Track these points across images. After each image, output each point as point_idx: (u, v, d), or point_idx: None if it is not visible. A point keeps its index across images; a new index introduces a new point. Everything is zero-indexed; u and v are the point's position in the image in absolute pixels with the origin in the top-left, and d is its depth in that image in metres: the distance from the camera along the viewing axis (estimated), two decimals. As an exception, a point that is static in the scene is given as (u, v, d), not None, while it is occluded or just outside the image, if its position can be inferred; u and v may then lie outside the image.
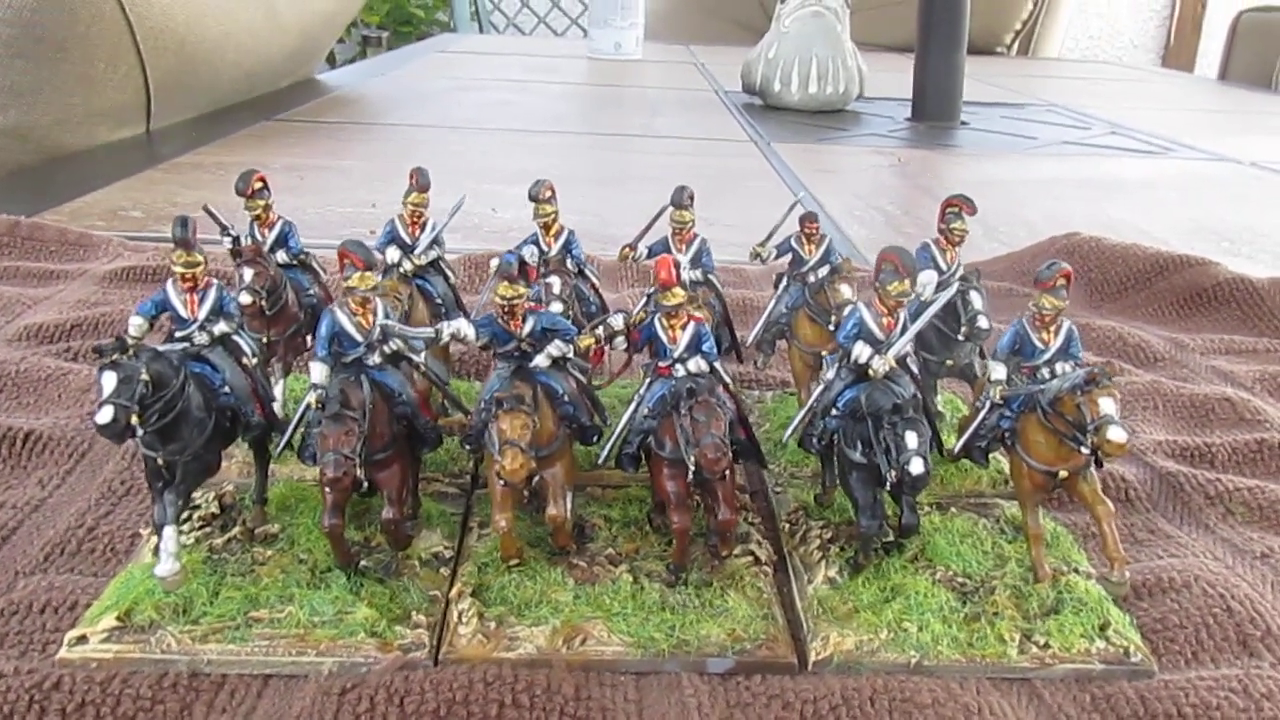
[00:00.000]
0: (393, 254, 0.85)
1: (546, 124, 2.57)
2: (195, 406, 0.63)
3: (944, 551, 0.69)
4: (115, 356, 0.58)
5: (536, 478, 0.65)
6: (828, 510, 0.75)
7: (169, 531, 0.62)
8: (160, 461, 0.62)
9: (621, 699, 0.57)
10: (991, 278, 1.28)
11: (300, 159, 2.01)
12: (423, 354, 0.71)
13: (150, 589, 0.62)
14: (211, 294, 0.68)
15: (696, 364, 0.68)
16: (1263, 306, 1.23)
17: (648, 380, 0.69)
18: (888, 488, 0.64)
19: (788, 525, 0.74)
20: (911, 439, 0.61)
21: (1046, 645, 0.61)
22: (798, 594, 0.67)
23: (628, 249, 0.87)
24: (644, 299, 0.79)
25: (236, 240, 0.83)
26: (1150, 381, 1.02)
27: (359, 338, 0.66)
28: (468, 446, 0.69)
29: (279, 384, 0.82)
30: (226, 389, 0.66)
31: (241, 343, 0.69)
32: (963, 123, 2.72)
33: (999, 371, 0.68)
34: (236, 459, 0.76)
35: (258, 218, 0.83)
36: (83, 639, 0.59)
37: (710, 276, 0.86)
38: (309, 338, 0.84)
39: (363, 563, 0.66)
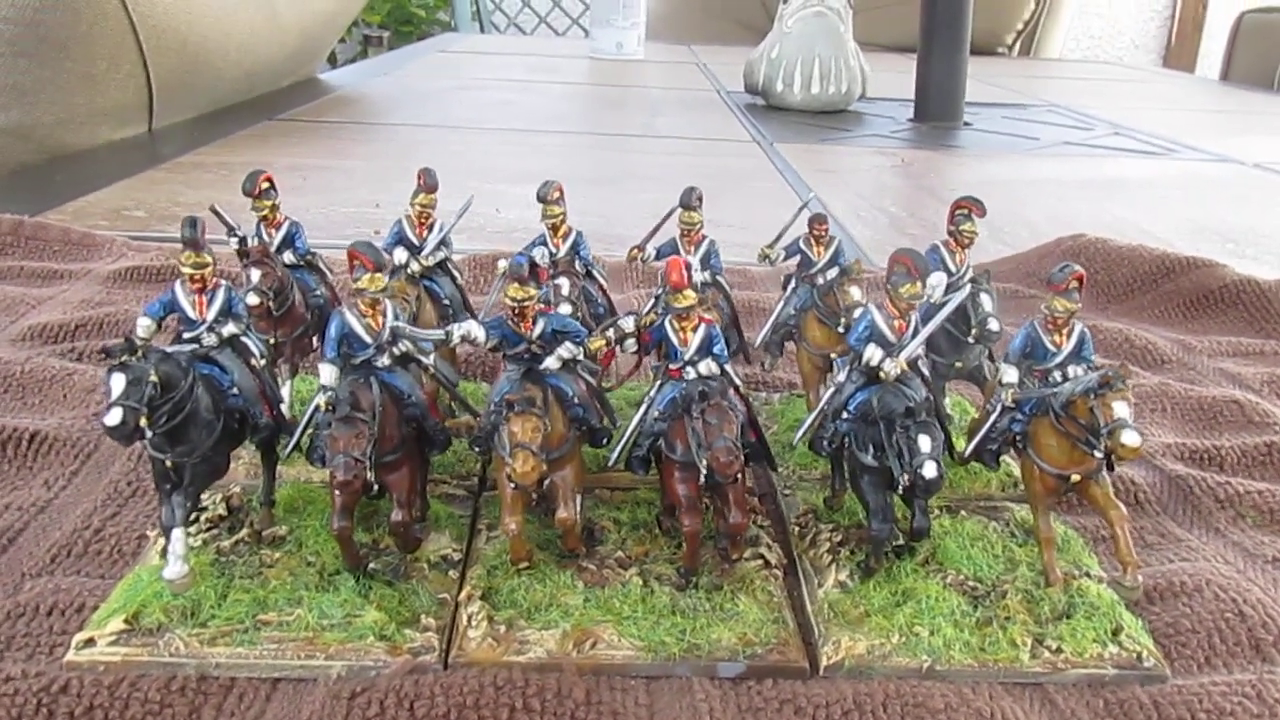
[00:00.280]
0: (400, 255, 0.84)
1: (548, 124, 2.57)
2: (204, 408, 0.63)
3: (955, 555, 0.69)
4: (124, 358, 0.58)
5: (546, 480, 0.65)
6: (837, 513, 0.75)
7: (177, 534, 0.62)
8: (168, 463, 0.62)
9: (632, 703, 0.57)
10: (997, 279, 1.27)
11: (302, 159, 2.01)
12: (432, 356, 0.71)
13: (158, 591, 0.62)
14: (220, 295, 0.67)
15: (707, 366, 0.67)
16: (1270, 308, 1.23)
17: (658, 383, 0.69)
18: (899, 491, 0.64)
19: (797, 528, 0.73)
20: (924, 442, 0.61)
21: (1059, 650, 0.61)
22: (808, 598, 0.66)
23: (636, 250, 0.86)
24: (652, 300, 0.79)
25: (243, 241, 0.83)
26: (1158, 384, 1.01)
27: (368, 339, 0.66)
28: (476, 449, 0.69)
29: (286, 385, 0.81)
30: (235, 390, 0.66)
31: (249, 344, 0.69)
32: (965, 123, 2.72)
33: (1011, 374, 0.67)
34: (244, 460, 0.76)
35: (264, 218, 0.82)
36: (90, 642, 0.59)
37: (719, 278, 0.85)
38: (315, 339, 0.84)
39: (371, 565, 0.66)
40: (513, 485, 0.61)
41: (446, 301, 0.86)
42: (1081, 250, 1.37)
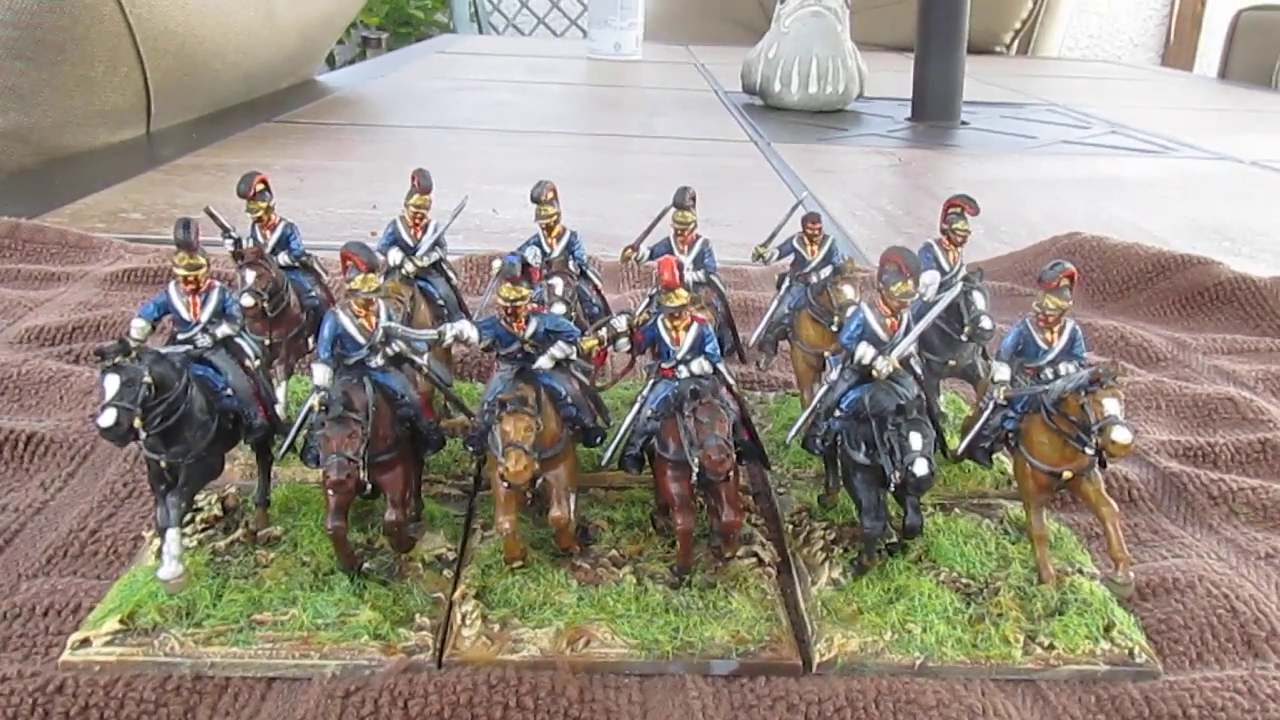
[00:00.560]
0: (395, 256, 0.84)
1: (546, 125, 2.57)
2: (198, 409, 0.63)
3: (948, 552, 0.69)
4: (118, 359, 0.58)
5: (540, 480, 0.65)
6: (831, 511, 0.75)
7: (172, 534, 0.62)
8: (163, 464, 0.62)
9: (626, 701, 0.57)
10: (993, 277, 1.28)
11: (300, 160, 2.01)
12: (425, 356, 0.71)
13: (153, 592, 0.62)
14: (214, 296, 0.67)
15: (700, 365, 0.67)
16: (1265, 306, 1.23)
17: (651, 381, 0.69)
18: (891, 489, 0.64)
19: (791, 526, 0.74)
20: (916, 440, 0.61)
21: (1051, 646, 0.61)
22: (801, 595, 0.67)
23: (630, 250, 0.87)
24: (646, 300, 0.79)
25: (238, 242, 0.83)
26: (1153, 381, 1.02)
27: (362, 340, 0.66)
28: (470, 448, 0.69)
29: (281, 386, 0.82)
30: (229, 391, 0.66)
31: (244, 345, 0.69)
32: (963, 122, 2.72)
33: (1003, 372, 0.68)
34: (238, 461, 0.76)
35: (259, 219, 0.83)
36: (86, 642, 0.59)
37: (713, 277, 0.85)
38: (311, 340, 0.84)
39: (366, 565, 0.66)
40: (506, 484, 0.61)
41: (441, 302, 0.86)
42: (1077, 248, 1.37)
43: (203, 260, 0.67)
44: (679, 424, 0.64)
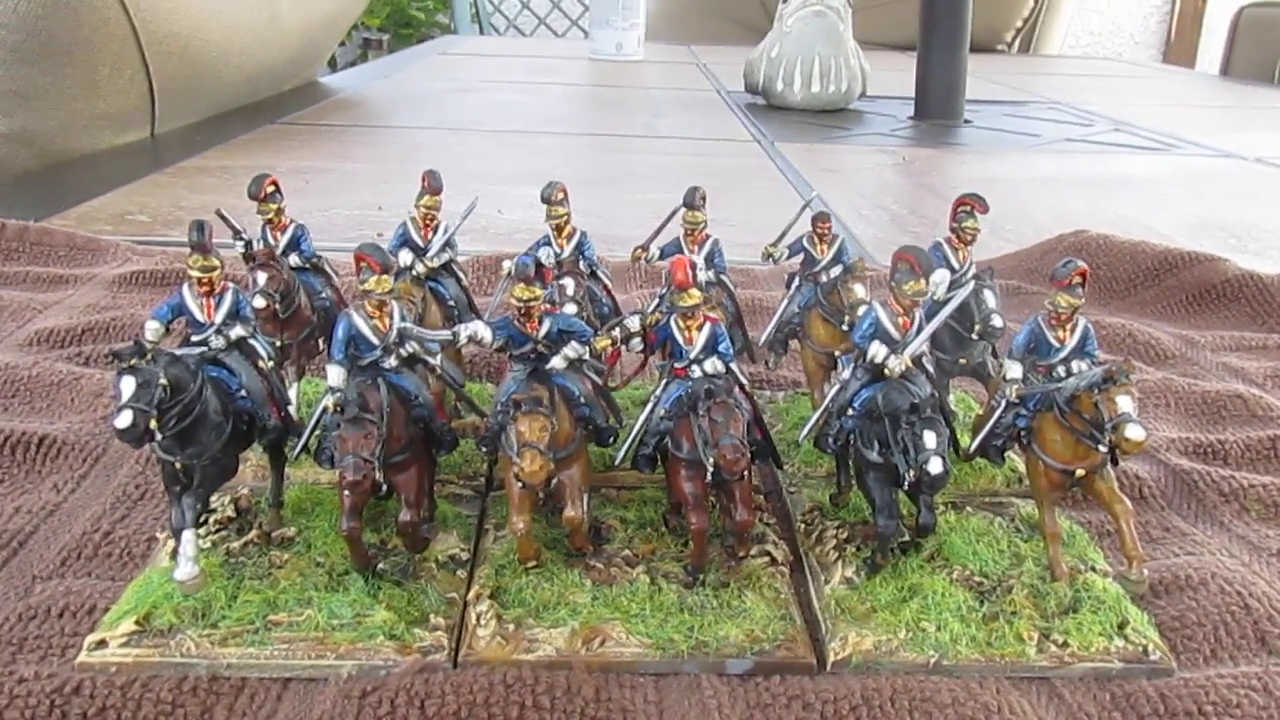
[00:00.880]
0: (405, 257, 0.85)
1: (549, 125, 2.57)
2: (213, 410, 0.63)
3: (960, 551, 0.69)
4: (133, 361, 0.58)
5: (554, 479, 0.65)
6: (843, 510, 0.75)
7: (188, 535, 0.62)
8: (178, 466, 0.62)
9: (642, 700, 0.57)
10: (1000, 276, 1.27)
11: (304, 162, 2.02)
12: (438, 356, 0.71)
13: (169, 593, 0.62)
14: (228, 298, 0.67)
15: (713, 365, 0.68)
16: (1272, 302, 1.23)
17: (664, 381, 0.69)
18: (905, 487, 0.64)
19: (803, 525, 0.74)
20: (929, 439, 0.61)
21: (1065, 644, 0.61)
22: (815, 594, 0.67)
23: (640, 250, 0.87)
24: (657, 300, 0.79)
25: (249, 244, 0.83)
26: (1161, 379, 1.02)
27: (375, 341, 0.66)
28: (483, 449, 0.69)
29: (293, 387, 0.82)
30: (243, 393, 0.66)
31: (257, 346, 0.69)
32: (965, 121, 2.72)
33: (1015, 370, 0.68)
34: (252, 463, 0.76)
35: (270, 221, 0.83)
36: (102, 643, 0.59)
37: (723, 277, 0.86)
38: (322, 341, 0.84)
39: (380, 565, 0.66)
40: (520, 484, 0.61)
41: (451, 303, 0.87)
42: (1083, 246, 1.37)
43: (217, 262, 0.67)
44: (693, 423, 0.64)
